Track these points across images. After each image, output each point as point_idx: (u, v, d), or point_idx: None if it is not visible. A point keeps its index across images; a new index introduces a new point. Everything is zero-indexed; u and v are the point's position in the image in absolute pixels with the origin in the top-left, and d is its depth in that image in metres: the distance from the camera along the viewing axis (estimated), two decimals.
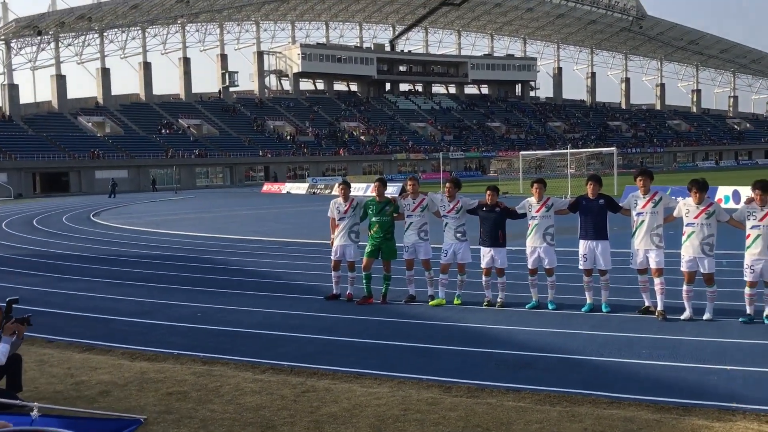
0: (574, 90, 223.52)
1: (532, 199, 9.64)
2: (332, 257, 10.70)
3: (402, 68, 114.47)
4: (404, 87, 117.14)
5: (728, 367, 6.62)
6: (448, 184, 10.20)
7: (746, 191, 21.34)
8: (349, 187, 11.03)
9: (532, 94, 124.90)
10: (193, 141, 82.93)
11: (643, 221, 8.92)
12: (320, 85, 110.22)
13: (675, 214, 8.92)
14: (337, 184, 10.95)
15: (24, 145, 70.71)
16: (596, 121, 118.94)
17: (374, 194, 10.54)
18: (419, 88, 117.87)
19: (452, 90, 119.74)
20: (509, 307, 9.65)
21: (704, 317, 8.51)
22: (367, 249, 10.38)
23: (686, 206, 8.67)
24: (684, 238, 8.64)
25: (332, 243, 10.72)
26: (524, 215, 9.73)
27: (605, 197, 9.39)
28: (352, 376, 6.66)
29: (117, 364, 7.32)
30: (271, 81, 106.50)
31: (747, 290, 8.41)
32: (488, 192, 9.82)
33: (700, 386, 6.12)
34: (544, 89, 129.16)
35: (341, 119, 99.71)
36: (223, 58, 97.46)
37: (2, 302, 6.17)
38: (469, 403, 5.74)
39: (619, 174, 40.11)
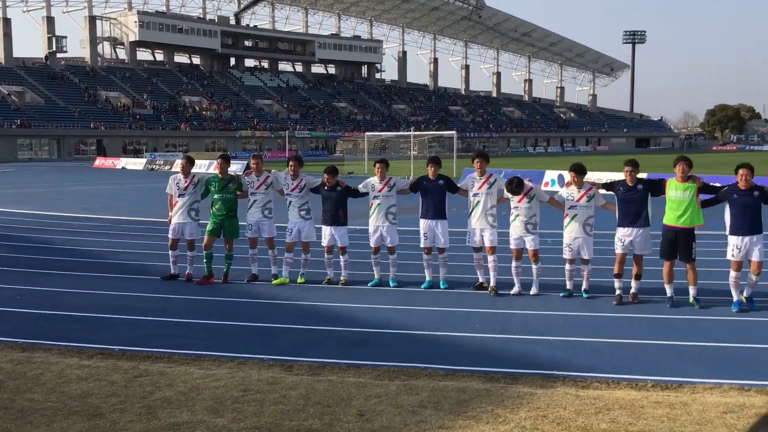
0: (418, 74, 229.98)
1: (375, 179, 9.77)
2: (170, 236, 10.29)
3: (248, 43, 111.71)
4: (250, 63, 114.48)
5: (551, 338, 7.11)
6: (291, 163, 10.08)
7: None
8: (192, 163, 10.61)
9: (377, 76, 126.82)
10: (15, 110, 75.96)
11: (479, 201, 9.34)
12: (159, 56, 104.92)
13: (505, 195, 9.43)
14: (178, 160, 10.54)
15: None
16: (438, 105, 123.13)
17: (217, 171, 10.23)
18: (265, 64, 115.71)
19: (299, 68, 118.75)
20: (352, 285, 9.75)
21: (531, 292, 9.09)
22: (209, 227, 10.08)
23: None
24: (512, 218, 9.18)
25: (170, 221, 10.29)
26: (366, 194, 9.85)
27: (445, 178, 9.70)
28: (189, 359, 6.42)
29: None
30: (105, 49, 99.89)
31: (567, 266, 9.09)
32: (325, 175, 9.78)
33: (527, 356, 6.53)
34: (389, 72, 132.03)
35: (183, 93, 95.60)
36: (50, 20, 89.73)
37: None
38: (309, 381, 5.73)
39: (458, 157, 41.78)
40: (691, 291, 8.46)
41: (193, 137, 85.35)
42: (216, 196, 10.08)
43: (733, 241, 8.29)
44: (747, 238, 8.20)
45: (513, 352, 6.68)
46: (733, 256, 8.30)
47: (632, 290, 8.77)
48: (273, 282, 9.87)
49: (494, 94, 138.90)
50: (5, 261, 11.94)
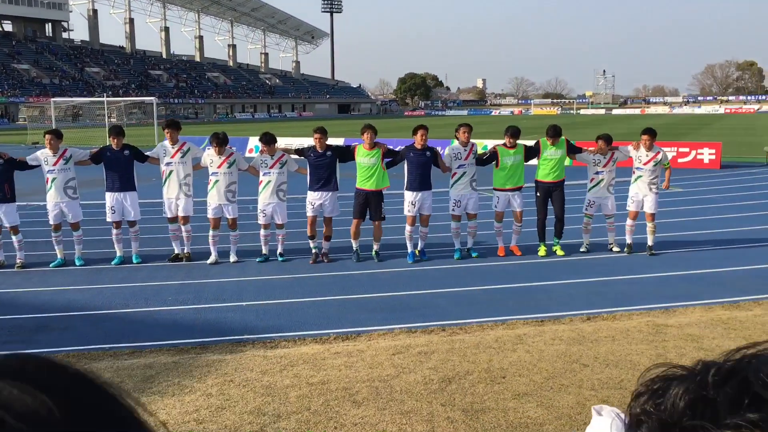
0: (113, 36, 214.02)
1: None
2: None
3: None
4: None
5: (244, 303, 7.27)
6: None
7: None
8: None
9: (65, 35, 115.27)
10: None
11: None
12: None
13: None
14: None
15: None
16: (137, 69, 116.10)
17: None
18: None
19: None
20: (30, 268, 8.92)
21: (230, 260, 9.18)
22: None
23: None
24: (210, 186, 9.15)
25: None
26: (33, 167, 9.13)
27: (130, 147, 9.29)
28: None
29: None
30: None
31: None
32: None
33: (218, 324, 6.60)
34: (79, 32, 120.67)
35: None
36: None
37: None
38: None
39: (160, 124, 40.00)
40: (375, 246, 9.32)
41: None
42: None
43: (409, 196, 9.28)
44: (419, 194, 9.24)
45: (205, 321, 6.70)
46: (408, 211, 9.27)
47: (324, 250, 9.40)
48: None
49: (197, 59, 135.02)
50: None
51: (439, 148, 10.07)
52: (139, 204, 9.30)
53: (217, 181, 9.05)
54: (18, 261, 8.93)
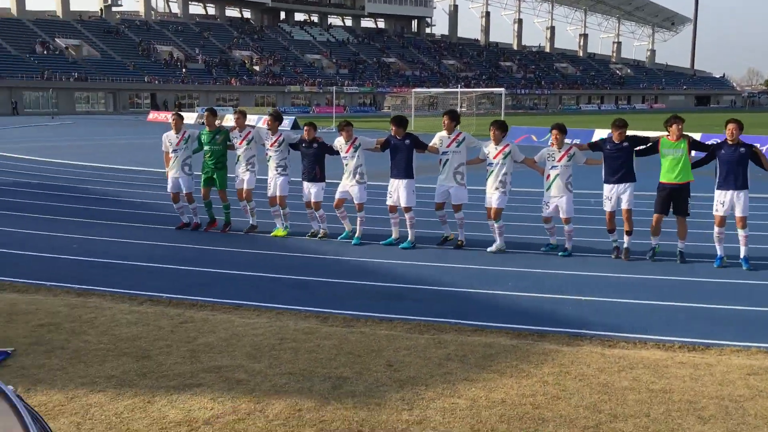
0: (470, 29, 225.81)
1: (341, 140, 9.84)
2: (169, 190, 10.85)
3: None
4: (299, 17, 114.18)
5: (583, 298, 7.22)
6: (268, 118, 10.47)
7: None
8: (182, 119, 11.04)
9: (428, 30, 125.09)
10: (72, 63, 77.79)
11: (447, 160, 9.46)
12: (211, 10, 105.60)
13: (480, 156, 9.57)
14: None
15: None
16: (489, 61, 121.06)
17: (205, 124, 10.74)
18: (315, 18, 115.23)
19: (348, 23, 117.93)
20: (332, 237, 10.12)
21: (488, 249, 9.35)
22: (202, 178, 10.68)
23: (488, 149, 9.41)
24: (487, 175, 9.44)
25: (167, 176, 10.84)
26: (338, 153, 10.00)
27: (411, 136, 9.65)
28: (230, 308, 6.76)
29: None
30: (158, 2, 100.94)
31: (545, 225, 9.38)
32: (305, 128, 10.02)
33: (556, 315, 6.66)
34: (440, 26, 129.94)
35: (233, 47, 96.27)
36: None
37: None
38: (343, 332, 5.99)
39: (507, 114, 41.34)
40: (680, 245, 8.83)
41: (243, 92, 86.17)
42: (206, 148, 10.63)
43: (719, 196, 8.50)
44: (731, 193, 8.36)
45: (543, 310, 6.82)
46: (717, 210, 8.50)
47: (625, 245, 9.03)
48: (272, 233, 10.40)
49: (547, 50, 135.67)
50: (63, 211, 12.54)
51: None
52: (414, 191, 9.64)
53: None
54: (322, 231, 10.25)
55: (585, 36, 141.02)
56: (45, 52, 77.90)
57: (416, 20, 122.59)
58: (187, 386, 4.77)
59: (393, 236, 9.79)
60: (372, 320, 6.40)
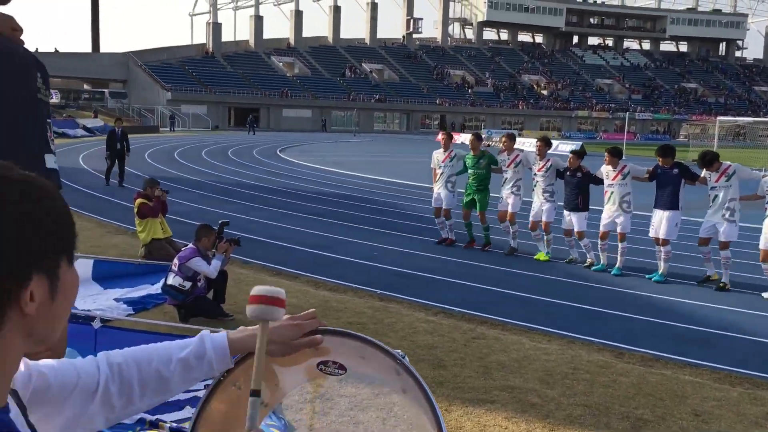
0: None
1: (609, 168, 9.58)
2: (433, 205, 11.39)
3: (592, 20, 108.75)
4: (593, 41, 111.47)
5: None
6: (538, 143, 10.45)
7: None
8: (451, 138, 11.47)
9: (737, 54, 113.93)
10: (374, 86, 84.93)
11: (716, 195, 8.81)
12: (504, 36, 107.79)
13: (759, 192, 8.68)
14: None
15: (222, 81, 76.13)
16: None
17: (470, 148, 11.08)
18: (609, 42, 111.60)
19: (646, 46, 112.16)
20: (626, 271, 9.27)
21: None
22: (464, 200, 11.08)
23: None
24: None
25: (432, 190, 11.42)
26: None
27: (680, 166, 9.14)
28: (521, 330, 6.77)
29: (303, 290, 7.95)
30: (455, 29, 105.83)
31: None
32: (571, 156, 9.92)
33: None
34: (752, 50, 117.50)
35: (522, 72, 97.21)
36: (409, 3, 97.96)
37: (215, 224, 6.93)
38: (641, 371, 5.66)
39: None
40: None
41: (528, 116, 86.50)
42: (470, 171, 10.96)
43: None
44: None
45: None
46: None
47: None
48: (534, 257, 10.42)
49: None
50: (362, 220, 13.69)
51: None
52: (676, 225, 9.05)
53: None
54: (588, 260, 9.98)
55: None
56: (352, 76, 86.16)
57: (724, 43, 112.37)
58: (481, 401, 4.87)
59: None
60: (673, 363, 5.95)
